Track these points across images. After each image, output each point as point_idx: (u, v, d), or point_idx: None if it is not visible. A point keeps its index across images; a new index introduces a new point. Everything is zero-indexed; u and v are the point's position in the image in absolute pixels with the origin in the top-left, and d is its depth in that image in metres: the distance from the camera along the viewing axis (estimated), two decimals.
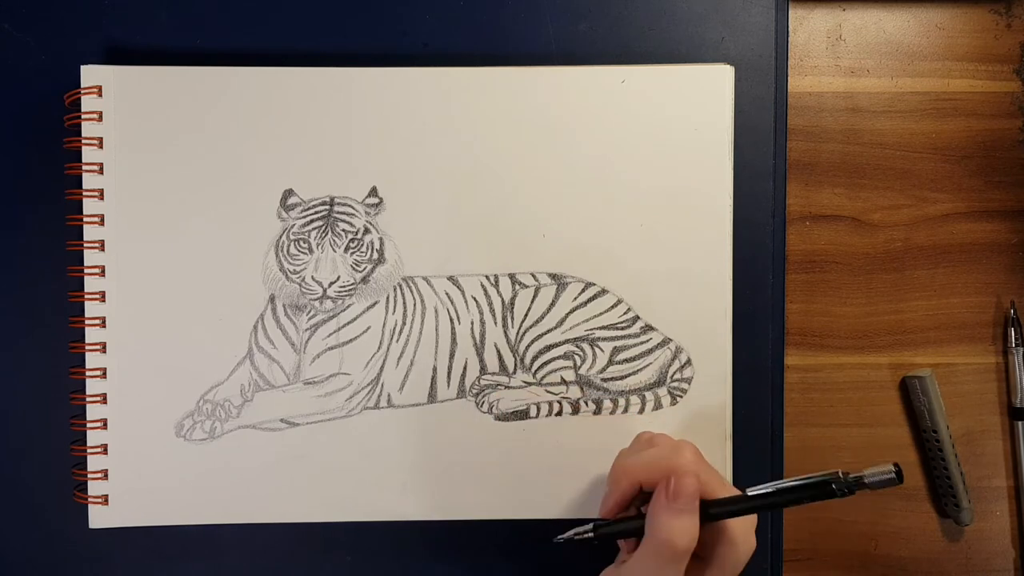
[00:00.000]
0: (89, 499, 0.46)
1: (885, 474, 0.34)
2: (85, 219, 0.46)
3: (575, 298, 0.47)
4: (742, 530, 0.39)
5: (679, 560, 0.36)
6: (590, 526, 0.40)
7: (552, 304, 0.47)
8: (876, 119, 0.51)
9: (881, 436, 0.51)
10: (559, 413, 0.47)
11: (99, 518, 0.46)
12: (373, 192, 0.47)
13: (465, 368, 0.47)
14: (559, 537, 0.41)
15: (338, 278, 0.47)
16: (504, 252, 0.47)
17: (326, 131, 0.46)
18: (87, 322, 0.46)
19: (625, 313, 0.47)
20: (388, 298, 0.47)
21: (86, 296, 0.46)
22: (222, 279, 0.46)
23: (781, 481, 0.37)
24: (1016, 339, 0.51)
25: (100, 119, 0.46)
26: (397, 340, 0.47)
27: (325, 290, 0.47)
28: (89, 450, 0.46)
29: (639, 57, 0.48)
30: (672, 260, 0.47)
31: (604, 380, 0.47)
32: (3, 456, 0.48)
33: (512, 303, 0.47)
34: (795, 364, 0.51)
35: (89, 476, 0.46)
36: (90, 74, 0.46)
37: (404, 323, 0.47)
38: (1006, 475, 0.51)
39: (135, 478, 0.46)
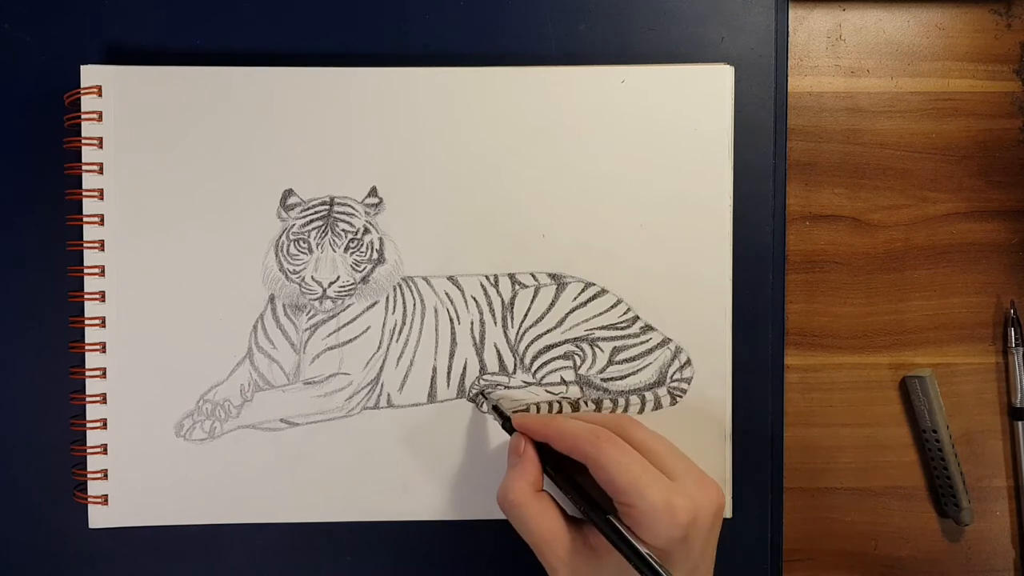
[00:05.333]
0: (89, 499, 0.46)
1: None
2: (85, 219, 0.46)
3: (575, 298, 0.47)
4: (663, 505, 0.37)
5: (508, 507, 0.40)
6: (508, 415, 0.44)
7: (552, 304, 0.47)
8: (876, 119, 0.51)
9: (881, 436, 0.51)
10: (559, 413, 0.47)
11: (99, 518, 0.46)
12: (373, 192, 0.47)
13: (465, 368, 0.47)
14: (483, 393, 0.46)
15: (338, 278, 0.47)
16: (504, 252, 0.47)
17: (326, 131, 0.46)
18: (87, 322, 0.46)
19: (625, 313, 0.47)
20: (388, 298, 0.47)
21: (86, 296, 0.46)
22: (222, 279, 0.46)
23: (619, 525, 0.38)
24: (1016, 339, 0.51)
25: (100, 119, 0.46)
26: (397, 340, 0.47)
27: (325, 290, 0.47)
28: (89, 450, 0.46)
29: (639, 57, 0.48)
30: (672, 260, 0.47)
31: (604, 380, 0.47)
32: (3, 456, 0.48)
33: (512, 303, 0.47)
34: (795, 364, 0.51)
35: (89, 476, 0.46)
36: (90, 74, 0.46)
37: (404, 323, 0.47)
38: (1006, 475, 0.51)
39: (135, 478, 0.46)
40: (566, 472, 0.41)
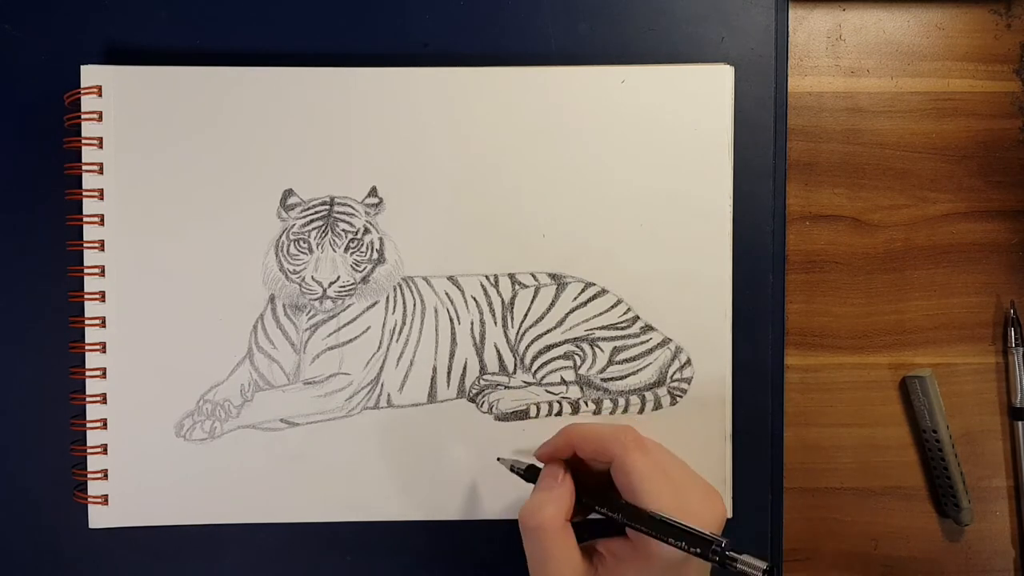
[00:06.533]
0: (89, 499, 0.46)
1: (755, 569, 0.35)
2: (85, 219, 0.46)
3: (575, 298, 0.47)
4: (659, 549, 0.37)
5: (535, 529, 0.38)
6: (526, 465, 0.43)
7: (552, 304, 0.47)
8: (876, 119, 0.51)
9: (881, 436, 0.51)
10: (559, 413, 0.47)
11: (99, 518, 0.46)
12: (373, 192, 0.47)
13: (465, 368, 0.47)
14: (501, 458, 0.45)
15: (338, 278, 0.47)
16: (504, 252, 0.47)
17: (326, 131, 0.46)
18: (87, 322, 0.46)
19: (625, 313, 0.47)
20: (388, 298, 0.47)
21: (86, 296, 0.46)
22: (222, 279, 0.46)
23: (667, 516, 0.37)
24: (1016, 339, 0.51)
25: (100, 119, 0.46)
26: (397, 340, 0.47)
27: (325, 290, 0.47)
28: (89, 450, 0.46)
29: (639, 57, 0.48)
30: (672, 260, 0.47)
31: (604, 380, 0.47)
32: (3, 456, 0.48)
33: (512, 303, 0.47)
34: (795, 364, 0.51)
35: (89, 476, 0.46)
36: (90, 74, 0.46)
37: (404, 323, 0.47)
38: (1006, 475, 0.51)
39: (135, 478, 0.46)
40: (595, 492, 0.40)
